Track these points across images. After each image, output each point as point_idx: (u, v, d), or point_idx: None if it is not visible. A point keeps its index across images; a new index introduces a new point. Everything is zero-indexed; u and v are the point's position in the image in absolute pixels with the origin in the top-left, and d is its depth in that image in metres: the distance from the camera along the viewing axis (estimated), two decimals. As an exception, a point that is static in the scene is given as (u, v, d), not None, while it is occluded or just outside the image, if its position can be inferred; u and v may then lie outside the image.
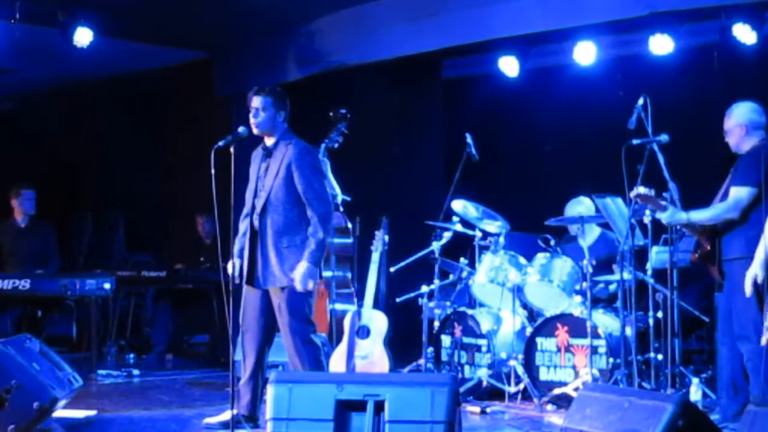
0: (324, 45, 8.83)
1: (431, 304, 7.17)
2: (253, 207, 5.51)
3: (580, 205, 7.09)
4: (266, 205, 5.45)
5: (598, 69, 8.34)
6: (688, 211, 5.52)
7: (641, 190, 5.48)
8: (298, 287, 5.32)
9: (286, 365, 5.73)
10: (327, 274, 6.99)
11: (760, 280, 4.86)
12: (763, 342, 4.66)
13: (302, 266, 5.33)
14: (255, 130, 5.51)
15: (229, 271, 5.47)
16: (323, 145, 6.99)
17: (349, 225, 7.44)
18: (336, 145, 7.00)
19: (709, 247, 5.55)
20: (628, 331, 6.09)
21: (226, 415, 5.44)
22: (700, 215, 5.49)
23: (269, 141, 5.57)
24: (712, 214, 5.47)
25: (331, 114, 6.95)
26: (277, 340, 5.57)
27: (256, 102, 5.49)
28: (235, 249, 5.53)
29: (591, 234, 7.17)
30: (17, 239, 8.57)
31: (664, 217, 5.57)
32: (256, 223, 5.48)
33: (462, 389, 6.42)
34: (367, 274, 6.95)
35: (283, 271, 5.37)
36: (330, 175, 7.15)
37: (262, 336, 5.51)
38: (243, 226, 5.56)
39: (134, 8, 8.10)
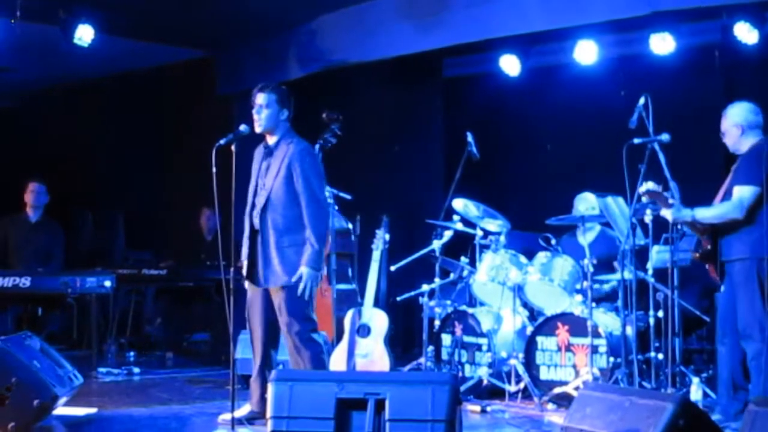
0: (325, 44, 8.82)
1: (432, 303, 7.17)
2: (253, 205, 5.52)
3: (585, 201, 7.09)
4: (266, 204, 5.45)
5: (599, 68, 8.34)
6: (693, 208, 5.52)
7: (650, 185, 5.46)
8: (301, 293, 5.33)
9: (287, 363, 5.74)
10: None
11: None
12: None
13: (304, 272, 5.34)
14: (258, 128, 5.49)
15: (244, 272, 5.50)
16: (317, 146, 6.99)
17: (350, 225, 7.44)
18: (329, 146, 6.99)
19: (709, 247, 5.55)
20: (629, 330, 6.09)
21: (244, 410, 5.51)
22: (705, 213, 5.49)
23: (271, 140, 5.55)
24: (717, 212, 5.47)
25: (324, 115, 6.93)
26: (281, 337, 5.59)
27: (260, 99, 5.47)
28: (243, 250, 5.54)
29: (591, 231, 7.17)
30: (27, 234, 8.59)
31: (669, 213, 5.56)
32: (256, 221, 5.48)
33: (462, 388, 6.41)
34: (367, 272, 6.95)
35: (284, 270, 5.38)
36: None
37: (266, 333, 5.54)
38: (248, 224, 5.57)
39: (136, 6, 8.09)
